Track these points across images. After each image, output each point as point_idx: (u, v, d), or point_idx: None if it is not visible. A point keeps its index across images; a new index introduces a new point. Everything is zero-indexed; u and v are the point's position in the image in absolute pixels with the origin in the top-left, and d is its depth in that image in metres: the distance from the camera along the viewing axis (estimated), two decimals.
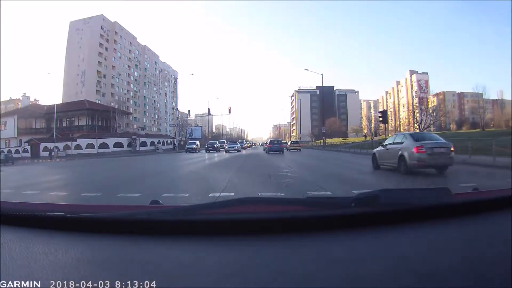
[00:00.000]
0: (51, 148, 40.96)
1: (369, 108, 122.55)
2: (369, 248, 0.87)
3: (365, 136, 43.33)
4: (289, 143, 43.41)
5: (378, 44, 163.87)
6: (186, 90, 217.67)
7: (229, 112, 58.53)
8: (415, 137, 10.69)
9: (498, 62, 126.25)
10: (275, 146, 29.24)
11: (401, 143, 10.70)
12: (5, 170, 18.27)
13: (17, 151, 47.28)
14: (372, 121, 53.90)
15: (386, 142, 12.03)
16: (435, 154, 9.71)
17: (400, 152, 10.28)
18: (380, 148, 12.37)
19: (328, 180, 9.27)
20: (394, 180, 9.05)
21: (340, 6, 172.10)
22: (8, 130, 53.24)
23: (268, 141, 37.98)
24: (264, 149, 36.33)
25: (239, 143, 54.22)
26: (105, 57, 69.40)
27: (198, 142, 51.43)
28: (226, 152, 36.38)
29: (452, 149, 10.09)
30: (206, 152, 40.29)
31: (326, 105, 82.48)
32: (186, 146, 48.03)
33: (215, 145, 44.12)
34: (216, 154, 31.48)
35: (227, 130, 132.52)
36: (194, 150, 44.65)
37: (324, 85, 50.44)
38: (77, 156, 40.11)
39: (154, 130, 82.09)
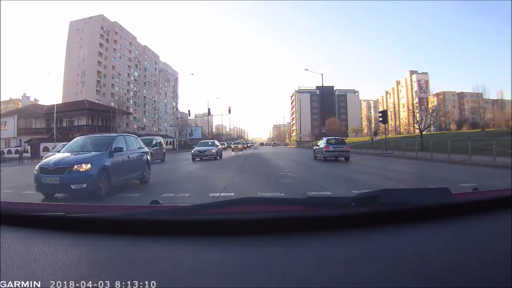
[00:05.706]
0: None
1: (369, 108, 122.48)
2: (369, 248, 0.87)
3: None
4: (271, 143, 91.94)
5: (378, 44, 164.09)
6: (186, 90, 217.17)
7: (229, 112, 58.47)
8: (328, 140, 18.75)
9: (498, 62, 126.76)
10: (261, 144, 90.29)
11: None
12: None
13: (16, 151, 47.24)
14: (372, 121, 53.73)
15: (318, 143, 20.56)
16: (335, 151, 17.93)
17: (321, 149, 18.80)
18: (315, 147, 20.89)
19: (327, 179, 9.28)
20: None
21: (340, 6, 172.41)
22: (8, 130, 53.19)
23: (259, 143, 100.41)
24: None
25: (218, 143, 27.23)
26: (105, 57, 69.34)
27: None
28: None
29: (347, 148, 18.38)
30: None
31: (326, 105, 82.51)
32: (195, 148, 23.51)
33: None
34: None
35: (227, 130, 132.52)
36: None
37: (324, 85, 50.34)
38: None
39: (154, 130, 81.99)
